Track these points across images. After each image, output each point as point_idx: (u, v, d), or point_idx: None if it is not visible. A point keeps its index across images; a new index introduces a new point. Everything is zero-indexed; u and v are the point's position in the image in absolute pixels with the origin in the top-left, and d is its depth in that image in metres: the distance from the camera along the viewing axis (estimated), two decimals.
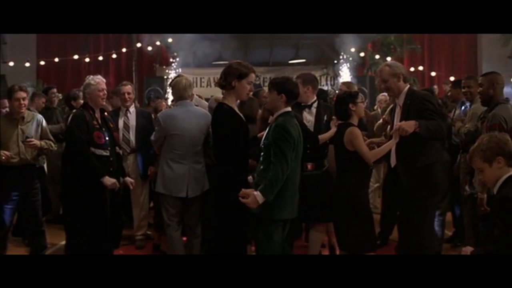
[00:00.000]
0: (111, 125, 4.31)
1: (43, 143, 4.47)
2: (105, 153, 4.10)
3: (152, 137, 4.30)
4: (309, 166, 4.10)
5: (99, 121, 4.17)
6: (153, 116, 5.22)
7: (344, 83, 5.24)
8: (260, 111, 4.44)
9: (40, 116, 4.68)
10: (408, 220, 3.65)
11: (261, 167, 3.27)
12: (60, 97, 6.83)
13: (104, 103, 4.31)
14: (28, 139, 4.35)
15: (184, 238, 4.31)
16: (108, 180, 4.03)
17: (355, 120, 3.63)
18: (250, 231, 3.56)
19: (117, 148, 4.29)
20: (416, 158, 3.49)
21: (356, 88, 5.14)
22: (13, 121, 4.45)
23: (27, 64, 10.26)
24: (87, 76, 4.27)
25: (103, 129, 4.16)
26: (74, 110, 4.40)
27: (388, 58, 9.52)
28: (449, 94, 5.43)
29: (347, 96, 3.66)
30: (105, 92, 4.22)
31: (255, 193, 3.07)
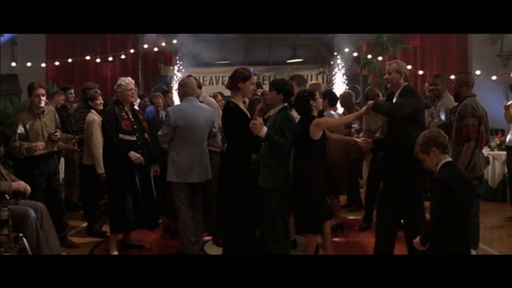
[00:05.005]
0: (141, 117, 4.91)
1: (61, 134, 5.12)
2: (132, 138, 4.71)
3: (160, 132, 4.69)
4: None
5: (128, 113, 4.77)
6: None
7: (311, 84, 5.81)
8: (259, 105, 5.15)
9: (52, 108, 5.26)
10: (397, 201, 4.00)
11: (268, 149, 3.91)
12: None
13: (133, 99, 4.90)
14: (55, 134, 4.92)
15: None
16: (133, 155, 4.64)
17: (315, 114, 4.19)
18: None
19: (145, 134, 4.85)
20: (399, 138, 3.94)
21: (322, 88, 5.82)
22: (35, 115, 4.98)
23: (43, 65, 10.76)
24: (119, 78, 4.86)
25: (132, 119, 4.77)
26: (108, 107, 4.99)
27: (380, 58, 9.98)
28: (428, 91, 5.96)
29: (307, 94, 4.19)
30: (133, 91, 4.83)
31: (264, 127, 3.81)
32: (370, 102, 4.04)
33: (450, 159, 3.16)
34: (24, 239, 4.09)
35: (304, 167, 4.09)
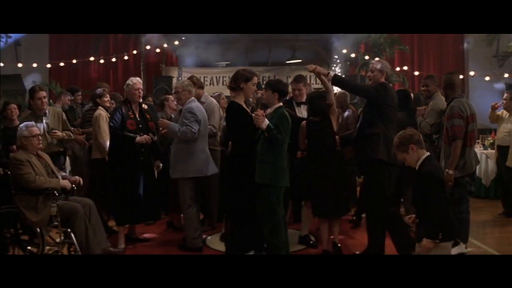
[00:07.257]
0: (148, 116, 5.08)
1: (64, 134, 5.28)
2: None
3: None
4: (299, 154, 4.92)
5: (135, 112, 4.97)
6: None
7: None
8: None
9: (60, 110, 5.42)
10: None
11: (264, 146, 4.12)
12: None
13: (140, 99, 5.09)
14: (53, 131, 5.13)
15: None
16: (140, 139, 4.81)
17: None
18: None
19: (151, 134, 5.01)
20: (363, 128, 4.32)
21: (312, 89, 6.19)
22: (38, 117, 5.18)
23: (48, 66, 10.95)
24: (129, 78, 5.05)
25: (139, 119, 4.96)
26: (116, 105, 5.20)
27: (377, 59, 10.11)
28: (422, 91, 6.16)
29: (322, 95, 4.61)
30: (140, 90, 5.00)
31: (266, 120, 3.99)
32: (331, 73, 4.39)
33: (429, 153, 3.37)
34: (72, 235, 4.28)
35: (335, 159, 4.59)
